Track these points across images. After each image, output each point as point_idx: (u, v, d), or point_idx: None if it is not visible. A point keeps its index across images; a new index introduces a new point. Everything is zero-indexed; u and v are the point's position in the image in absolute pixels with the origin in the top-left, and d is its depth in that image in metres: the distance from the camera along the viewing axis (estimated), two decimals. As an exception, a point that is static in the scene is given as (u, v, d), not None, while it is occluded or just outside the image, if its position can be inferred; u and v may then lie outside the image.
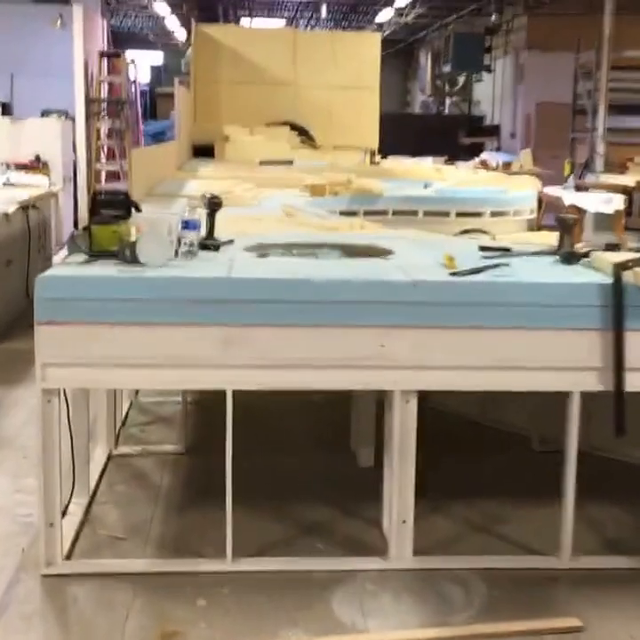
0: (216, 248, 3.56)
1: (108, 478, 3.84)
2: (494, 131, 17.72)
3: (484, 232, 5.07)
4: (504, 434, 4.47)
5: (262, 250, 3.72)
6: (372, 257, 3.63)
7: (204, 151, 10.57)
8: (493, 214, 7.53)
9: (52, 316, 2.93)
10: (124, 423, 4.47)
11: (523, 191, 7.88)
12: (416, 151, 14.08)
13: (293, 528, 3.43)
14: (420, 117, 21.27)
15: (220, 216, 3.68)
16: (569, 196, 9.04)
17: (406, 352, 3.03)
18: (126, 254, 3.15)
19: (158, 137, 15.43)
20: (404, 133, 16.49)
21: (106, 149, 12.56)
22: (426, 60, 20.98)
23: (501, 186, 7.93)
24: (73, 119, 11.15)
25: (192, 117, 11.12)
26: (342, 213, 6.69)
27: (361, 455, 4.02)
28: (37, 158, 9.72)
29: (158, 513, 3.52)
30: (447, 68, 17.73)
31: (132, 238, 3.30)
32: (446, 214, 7.42)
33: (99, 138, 12.15)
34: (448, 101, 20.35)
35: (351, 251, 3.82)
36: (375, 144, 11.66)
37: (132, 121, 12.36)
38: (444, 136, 17.33)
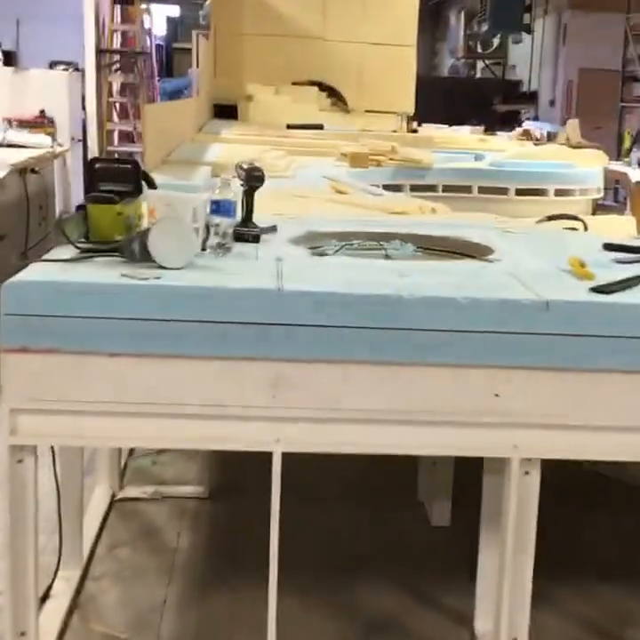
0: (255, 238, 2.64)
1: (109, 536, 2.94)
2: (532, 98, 16.64)
3: (576, 219, 4.17)
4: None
5: (314, 242, 2.79)
6: (465, 257, 2.71)
7: (226, 112, 9.60)
8: (558, 193, 6.59)
9: (25, 340, 2.02)
10: (131, 453, 3.56)
11: (591, 167, 6.92)
12: (447, 118, 13.06)
13: (351, 623, 2.53)
14: (450, 81, 20.09)
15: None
16: (636, 173, 8.04)
17: (531, 404, 2.11)
18: (134, 249, 2.23)
19: (175, 96, 14.43)
20: (432, 98, 15.30)
21: (118, 107, 11.59)
22: (458, 20, 19.83)
23: (567, 160, 6.96)
24: (82, 72, 10.19)
25: (212, 74, 10.14)
26: (386, 187, 5.77)
27: (433, 511, 3.12)
28: (42, 114, 8.75)
29: (173, 594, 2.63)
30: (484, 28, 16.56)
31: (144, 225, 2.40)
32: (504, 191, 6.47)
33: (110, 94, 11.17)
34: (480, 65, 19.22)
35: (430, 244, 2.90)
36: (411, 109, 10.66)
37: (147, 75, 11.37)
38: (476, 102, 16.25)
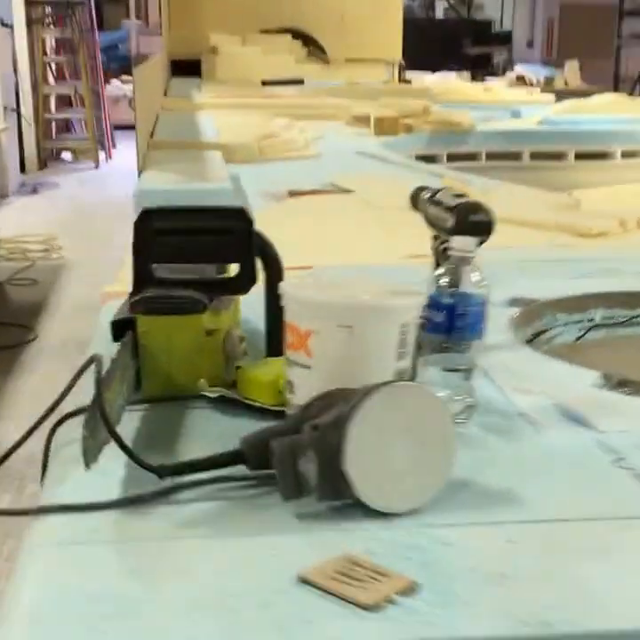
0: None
1: None
2: (506, 39, 15.30)
3: None
4: None
5: (529, 320, 1.47)
6: None
7: (186, 68, 8.11)
8: (625, 155, 5.31)
9: None
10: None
11: (657, 120, 5.64)
12: (415, 64, 11.68)
13: None
14: (415, 23, 18.56)
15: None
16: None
17: None
18: (303, 468, 0.86)
19: (110, 52, 12.79)
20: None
21: (54, 67, 9.98)
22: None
23: (625, 113, 5.66)
24: (11, 28, 8.59)
25: (166, 24, 8.61)
26: (419, 158, 4.45)
27: None
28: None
29: None
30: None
31: (292, 380, 1.06)
32: (561, 156, 5.18)
33: (45, 52, 9.56)
34: (441, 5, 17.76)
35: None
36: (398, 55, 9.28)
37: (86, 29, 9.77)
38: (444, 46, 14.87)
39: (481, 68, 13.63)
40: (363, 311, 0.99)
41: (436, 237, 1.31)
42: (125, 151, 9.07)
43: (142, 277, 1.08)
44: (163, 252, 1.08)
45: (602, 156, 5.21)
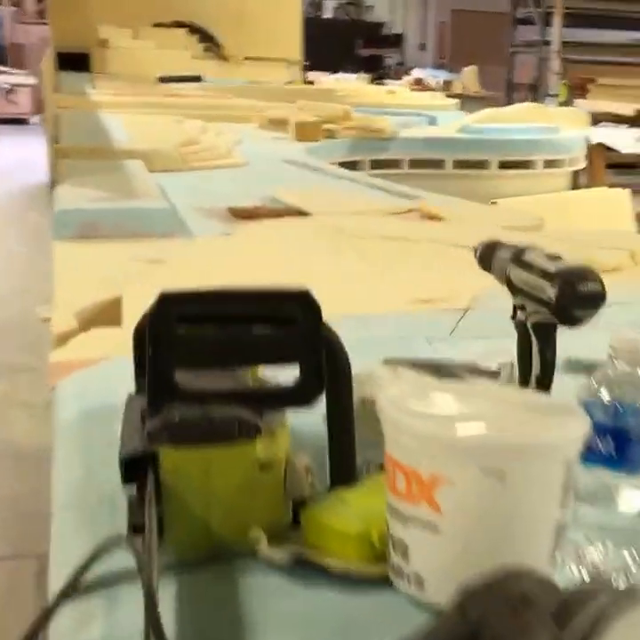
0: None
1: None
2: (397, 41, 15.19)
3: None
4: None
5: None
6: None
7: (72, 61, 7.55)
8: (547, 165, 5.16)
9: None
10: None
11: (573, 131, 5.50)
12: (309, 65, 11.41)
13: None
14: (304, 22, 18.26)
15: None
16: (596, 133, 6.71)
17: None
18: None
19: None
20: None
21: None
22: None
23: (544, 122, 5.49)
24: None
25: (51, 13, 8.03)
26: (342, 165, 4.17)
27: None
28: None
29: None
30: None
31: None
32: (484, 165, 4.99)
33: None
34: (331, 4, 17.56)
35: None
36: (297, 54, 8.95)
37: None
38: (336, 47, 14.64)
39: (373, 70, 13.47)
40: (520, 451, 0.66)
41: (521, 307, 0.99)
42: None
43: (160, 389, 0.72)
44: (190, 354, 0.73)
45: (524, 165, 5.04)
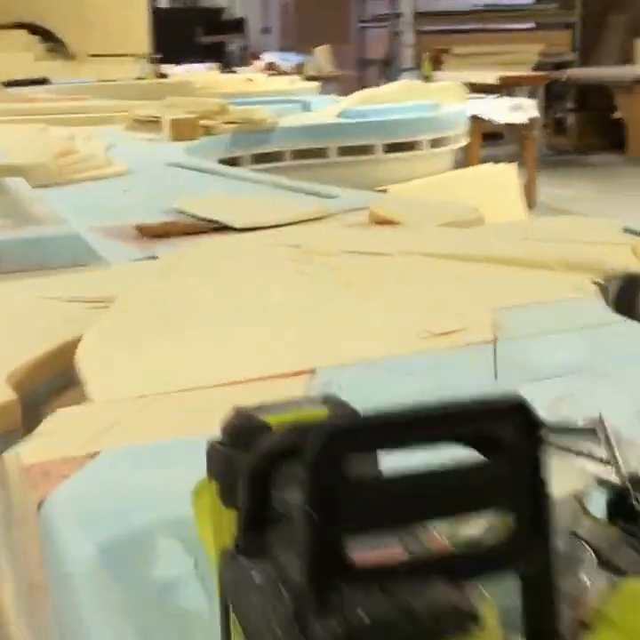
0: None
1: None
2: (238, 26, 14.82)
3: None
4: None
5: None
6: None
7: None
8: (433, 144, 4.99)
9: None
10: None
11: (455, 106, 5.36)
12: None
13: None
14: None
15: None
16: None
17: None
18: None
19: None
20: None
21: None
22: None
23: (423, 99, 5.31)
24: None
25: None
26: (222, 162, 3.91)
27: None
28: None
29: None
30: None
31: None
32: (368, 150, 4.78)
33: None
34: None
35: None
36: (145, 48, 8.53)
37: None
38: (176, 35, 14.19)
39: (217, 58, 13.11)
40: None
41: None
42: None
43: (326, 567, 0.45)
44: (368, 512, 0.45)
45: (410, 146, 4.86)
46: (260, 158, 4.45)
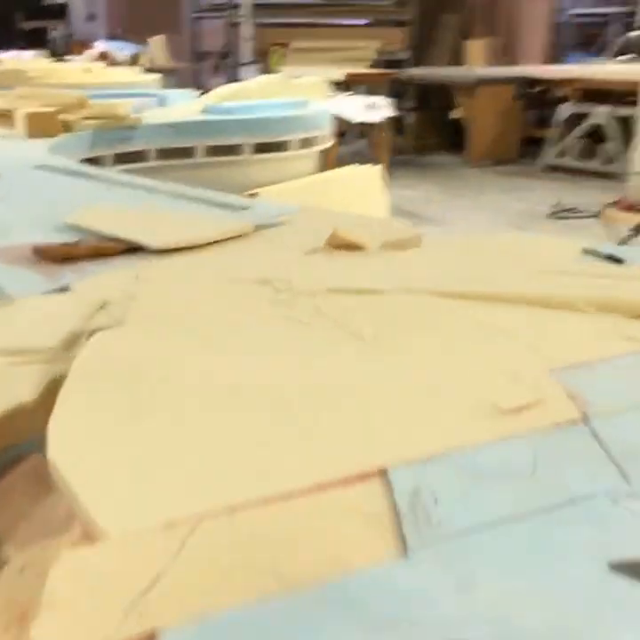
0: None
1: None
2: (61, 12, 14.07)
3: None
4: None
5: None
6: None
7: None
8: (303, 144, 4.75)
9: None
10: None
11: (320, 104, 5.12)
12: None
13: None
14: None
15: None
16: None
17: None
18: None
19: None
20: None
21: None
22: None
23: (284, 96, 5.04)
24: None
25: None
26: (84, 162, 3.54)
27: None
28: None
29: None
30: None
31: None
32: (237, 150, 4.48)
33: None
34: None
35: None
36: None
37: None
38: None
39: (38, 45, 12.38)
40: None
41: None
42: None
43: None
44: None
45: (280, 146, 4.59)
46: (123, 158, 4.07)
